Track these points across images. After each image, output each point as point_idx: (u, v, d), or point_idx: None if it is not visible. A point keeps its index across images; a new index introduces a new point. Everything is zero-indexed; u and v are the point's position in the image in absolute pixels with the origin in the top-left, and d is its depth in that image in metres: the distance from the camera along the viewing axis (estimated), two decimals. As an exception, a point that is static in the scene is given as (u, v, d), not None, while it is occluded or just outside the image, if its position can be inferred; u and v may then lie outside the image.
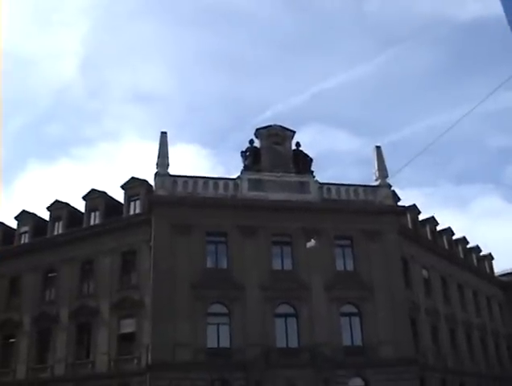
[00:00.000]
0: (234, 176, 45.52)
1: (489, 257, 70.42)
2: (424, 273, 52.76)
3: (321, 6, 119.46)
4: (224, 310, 40.90)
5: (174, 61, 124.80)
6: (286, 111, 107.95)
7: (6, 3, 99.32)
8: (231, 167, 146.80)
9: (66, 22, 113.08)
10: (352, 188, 46.33)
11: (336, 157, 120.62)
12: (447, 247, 60.51)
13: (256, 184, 44.55)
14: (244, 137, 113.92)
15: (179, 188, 43.38)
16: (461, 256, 63.55)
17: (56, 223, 50.66)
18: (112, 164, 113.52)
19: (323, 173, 65.36)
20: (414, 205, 55.90)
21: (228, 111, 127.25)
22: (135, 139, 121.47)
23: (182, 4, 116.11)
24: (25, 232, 52.41)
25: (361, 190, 46.43)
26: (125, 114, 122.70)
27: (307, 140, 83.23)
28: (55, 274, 48.10)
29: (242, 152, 45.85)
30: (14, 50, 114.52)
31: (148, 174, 51.27)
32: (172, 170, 43.80)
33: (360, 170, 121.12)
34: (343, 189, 46.09)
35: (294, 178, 45.48)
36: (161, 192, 42.98)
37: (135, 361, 41.49)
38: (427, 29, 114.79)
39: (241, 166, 45.68)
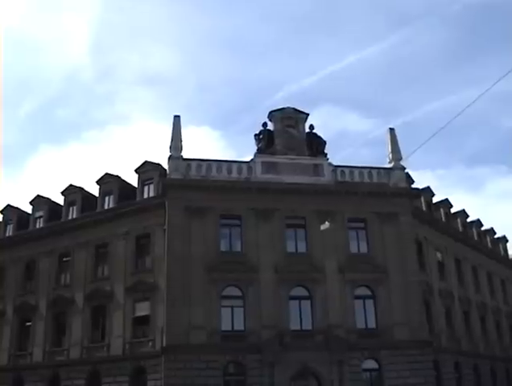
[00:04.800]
0: (246, 158, 45.69)
1: (504, 239, 70.45)
2: (438, 255, 52.61)
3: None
4: (238, 292, 41.02)
5: (183, 42, 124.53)
6: (297, 93, 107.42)
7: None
8: (242, 149, 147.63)
9: (75, 4, 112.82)
10: (365, 170, 46.14)
11: (348, 138, 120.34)
12: (461, 229, 60.29)
13: (270, 167, 44.47)
14: (255, 119, 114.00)
15: (193, 171, 43.44)
16: (475, 238, 63.42)
17: (71, 208, 50.99)
18: (123, 146, 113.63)
19: (335, 154, 65.09)
20: (428, 187, 55.71)
21: (238, 92, 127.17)
22: (146, 121, 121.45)
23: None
24: (40, 217, 52.87)
25: (374, 172, 46.26)
26: (136, 96, 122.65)
27: (318, 122, 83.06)
28: (69, 258, 48.48)
29: (256, 135, 45.77)
30: (24, 34, 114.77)
31: (161, 156, 51.36)
32: (184, 153, 43.92)
33: (372, 152, 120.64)
34: (356, 171, 45.92)
35: (307, 160, 45.35)
36: (175, 176, 43.02)
37: (150, 344, 41.82)
38: (439, 7, 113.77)
39: (252, 148, 45.77)
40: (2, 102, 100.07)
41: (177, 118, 44.26)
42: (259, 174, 44.12)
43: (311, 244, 42.99)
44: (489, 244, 66.62)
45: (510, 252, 70.62)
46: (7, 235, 54.52)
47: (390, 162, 46.80)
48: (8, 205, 55.82)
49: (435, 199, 56.94)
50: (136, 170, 47.94)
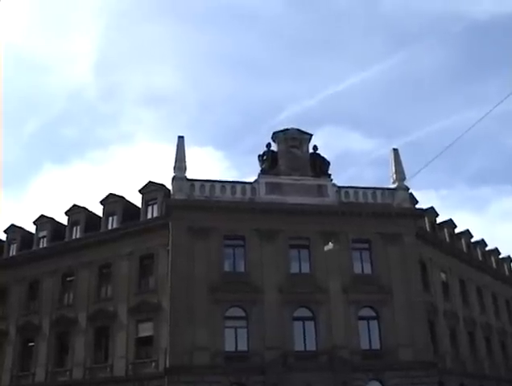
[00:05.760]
0: (249, 179, 45.88)
1: (509, 260, 70.06)
2: (443, 275, 52.44)
3: (333, 6, 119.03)
4: (241, 313, 40.93)
5: (186, 62, 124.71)
6: (299, 113, 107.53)
7: (18, 7, 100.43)
8: (245, 170, 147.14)
9: (79, 24, 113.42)
10: (369, 191, 46.19)
11: (351, 158, 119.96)
12: (465, 249, 60.09)
13: (273, 188, 44.52)
14: (258, 140, 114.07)
15: (197, 192, 43.51)
16: (480, 258, 63.13)
17: (74, 228, 50.96)
18: (127, 166, 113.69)
19: (339, 175, 64.93)
20: (432, 208, 55.56)
21: (241, 113, 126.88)
22: (149, 141, 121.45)
23: (194, 5, 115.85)
24: (43, 237, 52.80)
25: (378, 192, 46.29)
26: (139, 116, 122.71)
27: (321, 142, 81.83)
28: (73, 278, 48.38)
29: (259, 155, 45.89)
30: (28, 53, 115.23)
31: (164, 176, 51.32)
32: (187, 174, 44.05)
33: (376, 172, 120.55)
34: (360, 192, 45.95)
35: (311, 181, 45.41)
36: (178, 196, 43.10)
37: (153, 365, 41.59)
38: (440, 27, 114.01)
39: (255, 169, 45.96)
40: (1, 121, 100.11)
41: (181, 139, 44.42)
42: (263, 195, 44.17)
43: (314, 265, 42.93)
44: (494, 264, 66.28)
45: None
46: (11, 254, 54.39)
47: (393, 183, 46.82)
48: (12, 225, 55.81)
49: (439, 220, 56.83)
50: (140, 191, 48.01)
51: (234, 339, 40.07)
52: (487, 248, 65.79)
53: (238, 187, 44.38)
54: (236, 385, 38.91)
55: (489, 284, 60.78)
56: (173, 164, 43.84)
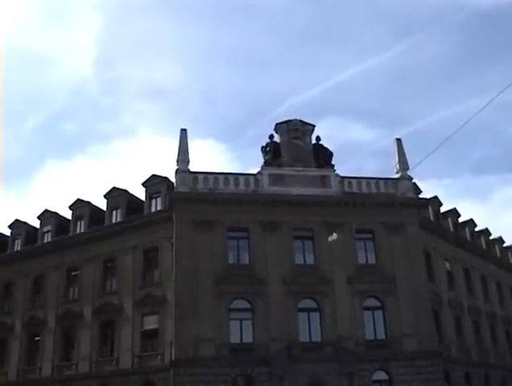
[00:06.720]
0: (252, 171, 45.84)
1: (513, 248, 70.03)
2: (447, 265, 52.41)
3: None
4: (246, 305, 40.93)
5: (187, 55, 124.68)
6: (301, 104, 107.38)
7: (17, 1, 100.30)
8: (248, 162, 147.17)
9: (79, 18, 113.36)
10: (373, 181, 46.12)
11: (353, 149, 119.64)
12: (469, 239, 60.02)
13: (277, 179, 44.46)
14: (260, 131, 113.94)
15: (200, 185, 43.47)
16: (484, 247, 63.13)
17: (78, 222, 51.00)
18: (129, 160, 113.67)
19: (341, 165, 64.68)
20: (436, 197, 55.44)
21: (242, 105, 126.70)
22: (152, 135, 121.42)
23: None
24: (48, 231, 52.90)
25: (381, 183, 46.23)
26: (141, 110, 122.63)
27: (324, 133, 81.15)
28: (78, 272, 48.51)
29: (262, 147, 45.83)
30: (29, 48, 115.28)
31: (168, 170, 51.25)
32: (190, 166, 44.02)
33: (378, 162, 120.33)
34: (364, 182, 45.88)
35: (315, 172, 45.36)
36: (182, 189, 43.05)
37: (159, 357, 41.70)
38: (443, 16, 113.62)
39: (258, 160, 45.94)
40: (2, 117, 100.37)
41: (184, 132, 44.37)
42: (266, 187, 44.11)
43: (319, 256, 42.89)
44: (498, 253, 66.28)
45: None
46: (15, 249, 54.55)
47: (397, 173, 46.69)
48: (16, 220, 55.95)
49: (442, 209, 56.74)
50: (143, 184, 48.03)
51: (239, 331, 40.10)
52: (491, 237, 65.79)
53: (241, 179, 44.34)
54: (241, 377, 39.00)
55: (494, 273, 60.80)
56: (176, 157, 43.87)
